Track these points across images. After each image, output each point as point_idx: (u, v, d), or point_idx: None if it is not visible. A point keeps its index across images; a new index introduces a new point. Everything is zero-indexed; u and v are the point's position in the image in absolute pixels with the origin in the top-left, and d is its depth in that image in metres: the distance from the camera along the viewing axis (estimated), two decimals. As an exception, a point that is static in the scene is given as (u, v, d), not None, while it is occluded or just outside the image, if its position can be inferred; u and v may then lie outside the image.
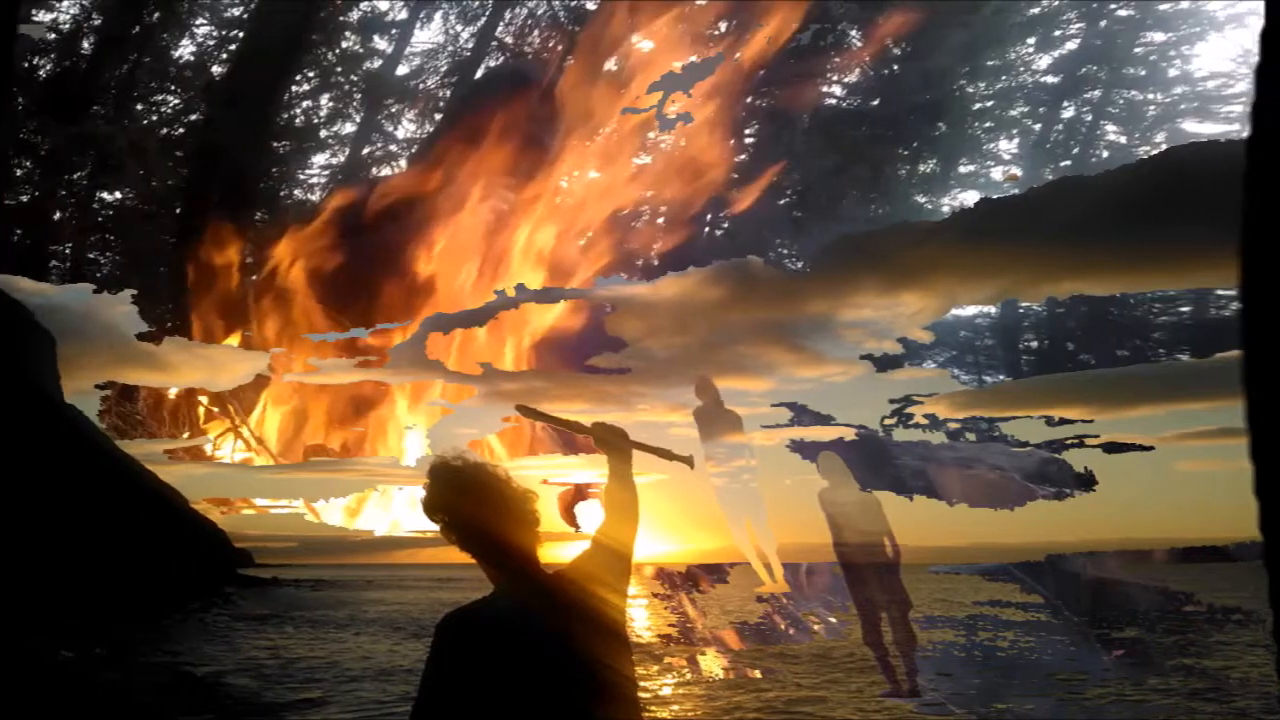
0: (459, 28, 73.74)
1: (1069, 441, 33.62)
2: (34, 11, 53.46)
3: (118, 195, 66.40)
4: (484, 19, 72.24)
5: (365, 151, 73.47)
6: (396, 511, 49.15)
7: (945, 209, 69.21)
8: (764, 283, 41.08)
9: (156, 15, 61.82)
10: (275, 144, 68.29)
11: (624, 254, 61.58)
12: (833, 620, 20.34)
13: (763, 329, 41.30)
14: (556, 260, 56.26)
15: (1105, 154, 70.32)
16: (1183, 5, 69.25)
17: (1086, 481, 29.85)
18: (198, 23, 66.88)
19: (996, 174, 73.06)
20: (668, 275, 41.60)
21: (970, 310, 68.69)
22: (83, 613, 21.68)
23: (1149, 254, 32.29)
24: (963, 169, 73.43)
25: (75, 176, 63.15)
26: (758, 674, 16.63)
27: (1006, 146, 74.34)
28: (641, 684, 13.29)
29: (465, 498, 3.71)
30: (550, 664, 3.51)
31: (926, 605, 20.98)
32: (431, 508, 3.75)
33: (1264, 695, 14.22)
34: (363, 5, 70.35)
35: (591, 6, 69.34)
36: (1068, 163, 69.83)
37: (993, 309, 68.78)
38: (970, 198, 69.86)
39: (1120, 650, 17.26)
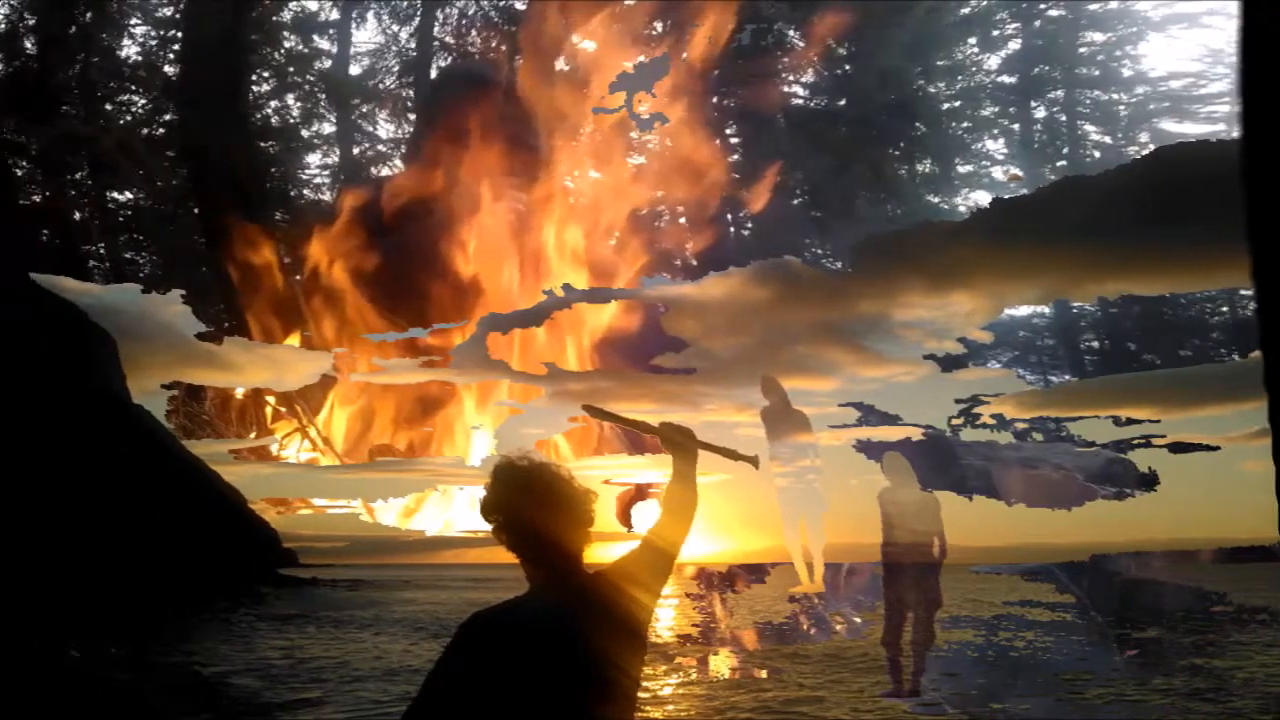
0: (395, 28, 74.18)
1: (1135, 441, 33.43)
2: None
3: (129, 195, 66.94)
4: (417, 18, 72.61)
5: (356, 152, 73.99)
6: (453, 512, 49.00)
7: (961, 209, 68.96)
8: (808, 282, 40.94)
9: (89, 15, 62.16)
10: (261, 144, 68.69)
11: (659, 254, 61.45)
12: (857, 620, 20.36)
13: (819, 329, 41.17)
14: (594, 260, 56.07)
15: (1096, 154, 70.12)
16: (1111, 5, 69.52)
17: (1149, 481, 29.66)
18: (132, 22, 67.33)
19: (998, 174, 73.00)
20: (711, 275, 41.52)
21: (1025, 310, 68.36)
22: (104, 612, 21.85)
23: (1180, 253, 32.03)
24: (962, 169, 73.41)
25: (78, 177, 63.73)
26: (764, 674, 16.53)
27: (996, 147, 74.39)
28: (645, 684, 13.27)
29: (527, 498, 3.75)
30: (559, 664, 3.52)
31: (957, 605, 20.91)
32: (490, 507, 3.80)
33: (1264, 695, 14.05)
34: (292, 5, 70.72)
35: (520, 6, 69.66)
36: (1063, 163, 69.62)
37: (1047, 309, 68.48)
38: (980, 198, 69.97)
39: (1134, 650, 17.15)
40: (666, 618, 23.39)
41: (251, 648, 19.22)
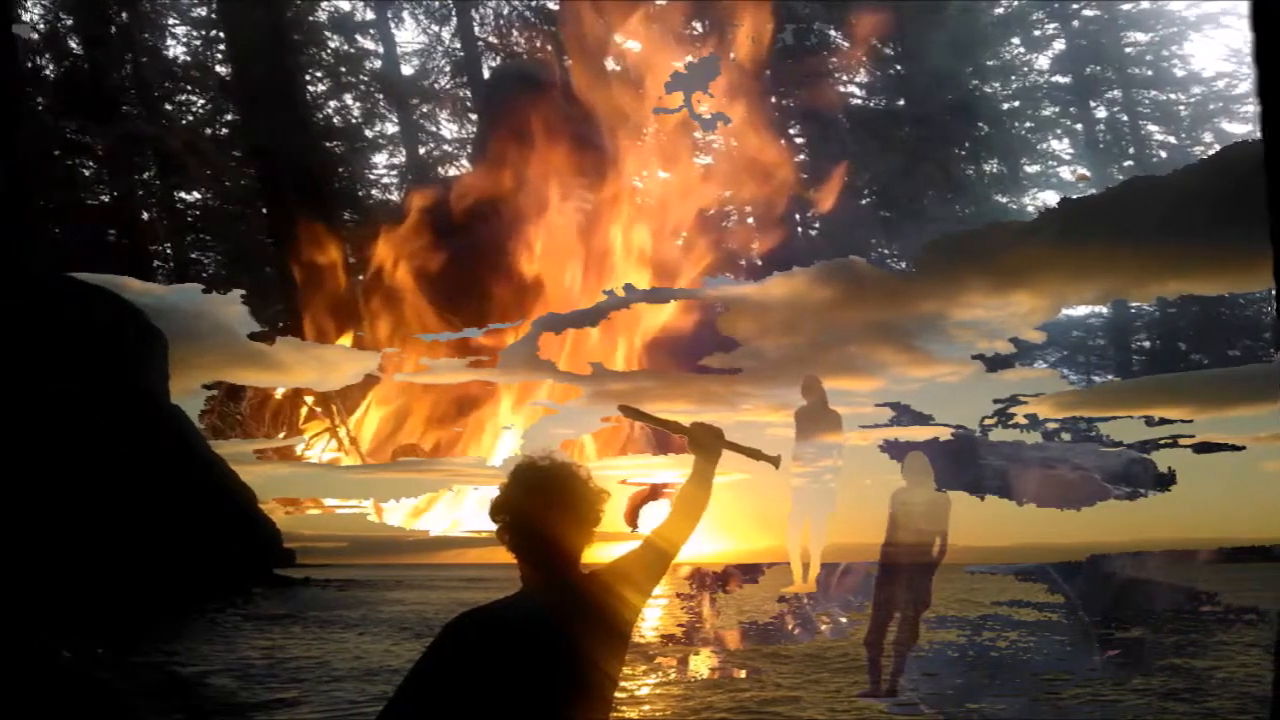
0: (435, 28, 73.96)
1: (1162, 441, 33.12)
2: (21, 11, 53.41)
3: (196, 195, 67.17)
4: (454, 19, 72.45)
5: (422, 152, 73.86)
6: (461, 512, 48.65)
7: (1030, 209, 68.51)
8: (871, 283, 40.51)
9: (124, 15, 62.21)
10: (326, 144, 68.70)
11: (724, 254, 60.93)
12: (843, 620, 20.23)
13: (874, 329, 40.75)
14: (659, 260, 55.62)
15: (1162, 154, 69.65)
16: (1144, 5, 69.21)
17: (1165, 481, 29.36)
18: (170, 22, 67.43)
19: (1065, 174, 72.56)
20: (774, 275, 41.13)
21: (1082, 310, 67.82)
22: (98, 612, 21.93)
23: (1244, 252, 31.66)
24: (1029, 169, 73.05)
25: (146, 176, 63.92)
26: (742, 674, 16.47)
27: (1061, 147, 73.98)
28: (623, 684, 13.22)
29: (539, 498, 3.77)
30: (541, 665, 3.52)
31: (945, 605, 20.79)
32: (499, 507, 3.80)
33: (1240, 695, 13.95)
34: (325, 5, 70.68)
35: (553, 6, 69.44)
36: (1129, 163, 69.09)
37: (1105, 309, 67.90)
38: (1048, 198, 69.48)
39: (1115, 650, 17.04)
40: (652, 617, 23.28)
41: (233, 647, 19.25)
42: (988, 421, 35.59)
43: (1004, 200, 70.19)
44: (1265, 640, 17.22)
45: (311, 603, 28.10)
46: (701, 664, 17.68)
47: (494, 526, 3.86)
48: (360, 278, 60.46)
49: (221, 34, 66.73)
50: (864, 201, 68.52)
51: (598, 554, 3.98)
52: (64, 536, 24.15)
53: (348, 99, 72.22)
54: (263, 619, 23.96)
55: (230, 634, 21.22)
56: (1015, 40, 72.58)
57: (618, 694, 3.78)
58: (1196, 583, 21.36)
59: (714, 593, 21.89)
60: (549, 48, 69.62)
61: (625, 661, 3.88)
